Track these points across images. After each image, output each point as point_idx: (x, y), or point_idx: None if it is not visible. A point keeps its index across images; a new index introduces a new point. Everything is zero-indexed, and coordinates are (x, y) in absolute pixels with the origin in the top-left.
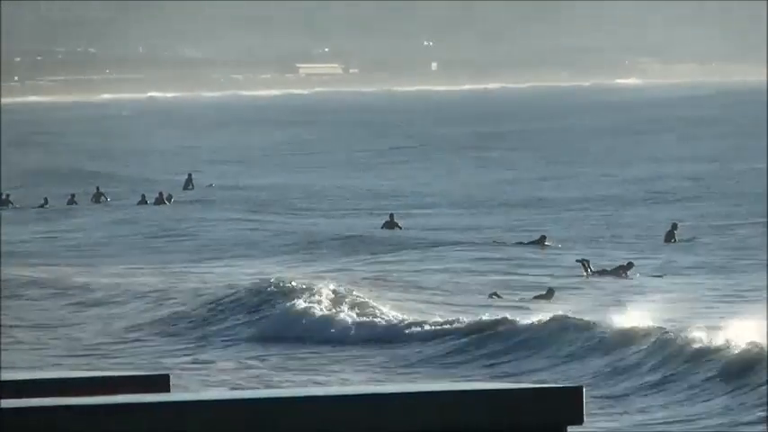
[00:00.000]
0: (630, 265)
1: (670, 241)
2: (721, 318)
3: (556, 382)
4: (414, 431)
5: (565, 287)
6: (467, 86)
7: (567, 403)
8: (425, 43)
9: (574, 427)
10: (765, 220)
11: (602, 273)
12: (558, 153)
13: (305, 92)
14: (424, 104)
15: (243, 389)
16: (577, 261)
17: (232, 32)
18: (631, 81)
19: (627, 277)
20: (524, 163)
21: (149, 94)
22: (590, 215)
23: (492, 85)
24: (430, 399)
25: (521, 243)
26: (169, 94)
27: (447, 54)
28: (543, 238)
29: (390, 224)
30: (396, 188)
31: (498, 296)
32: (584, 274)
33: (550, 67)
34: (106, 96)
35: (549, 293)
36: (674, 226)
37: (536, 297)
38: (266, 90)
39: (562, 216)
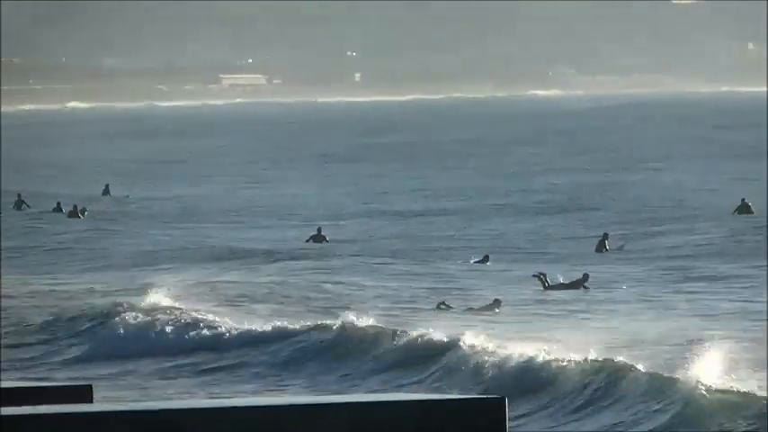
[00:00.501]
0: (586, 277)
1: (602, 251)
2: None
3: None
4: None
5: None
6: (386, 98)
7: (491, 413)
8: (349, 53)
9: None
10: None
11: (560, 286)
12: (424, 164)
13: (220, 102)
14: (342, 115)
15: (168, 399)
16: (534, 276)
17: (157, 43)
18: (552, 92)
19: (585, 288)
20: (396, 174)
21: (70, 104)
22: (490, 228)
23: (408, 97)
24: (360, 409)
25: (468, 262)
26: (90, 105)
27: (372, 65)
28: (487, 257)
29: (318, 237)
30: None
31: (447, 306)
32: (542, 287)
33: (475, 78)
34: (27, 107)
35: (495, 303)
36: (605, 236)
37: (482, 308)
38: (188, 101)
39: (468, 232)
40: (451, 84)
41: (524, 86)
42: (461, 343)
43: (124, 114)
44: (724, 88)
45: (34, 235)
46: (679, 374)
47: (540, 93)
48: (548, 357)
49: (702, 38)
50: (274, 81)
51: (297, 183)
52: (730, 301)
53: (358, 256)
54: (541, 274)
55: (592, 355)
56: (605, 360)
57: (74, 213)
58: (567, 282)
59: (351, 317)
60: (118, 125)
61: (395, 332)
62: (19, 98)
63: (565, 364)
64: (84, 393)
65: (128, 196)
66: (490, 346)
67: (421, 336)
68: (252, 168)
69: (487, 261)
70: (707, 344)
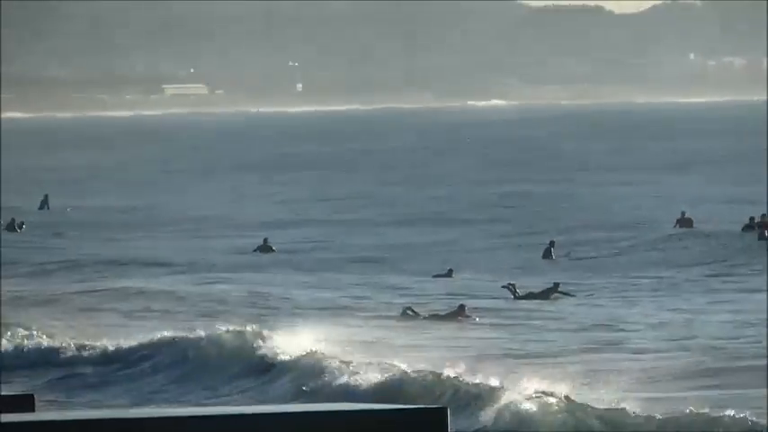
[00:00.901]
0: (557, 285)
1: (549, 257)
2: None
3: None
4: None
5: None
6: (326, 107)
7: (433, 423)
8: (291, 63)
9: None
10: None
11: (529, 296)
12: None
13: (159, 112)
14: (276, 125)
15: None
16: (503, 287)
17: (99, 53)
18: (492, 102)
19: (554, 299)
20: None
21: (9, 114)
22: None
23: (346, 107)
24: (305, 418)
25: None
26: (30, 115)
27: (313, 76)
28: (451, 270)
29: (264, 248)
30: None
31: (413, 312)
32: (512, 296)
33: (416, 89)
34: None
35: (460, 309)
36: (552, 243)
37: (448, 314)
38: (129, 111)
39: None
40: (392, 95)
41: (465, 97)
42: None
43: (64, 124)
44: (667, 98)
45: None
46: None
47: (480, 103)
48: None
49: (647, 49)
50: (216, 91)
51: (210, 193)
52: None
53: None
54: (510, 284)
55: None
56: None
57: (11, 227)
58: (537, 291)
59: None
60: (57, 135)
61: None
62: None
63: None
64: (25, 403)
65: (69, 209)
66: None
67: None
68: (165, 178)
69: (452, 275)
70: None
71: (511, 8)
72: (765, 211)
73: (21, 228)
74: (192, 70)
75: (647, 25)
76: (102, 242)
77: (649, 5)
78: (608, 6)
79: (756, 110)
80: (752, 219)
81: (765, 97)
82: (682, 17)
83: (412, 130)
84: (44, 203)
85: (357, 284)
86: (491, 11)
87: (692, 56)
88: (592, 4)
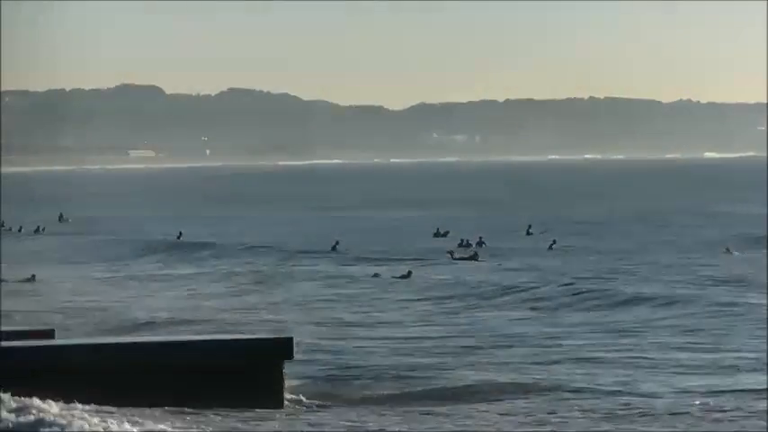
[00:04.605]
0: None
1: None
2: None
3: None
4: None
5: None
6: (232, 162)
7: (283, 349)
8: (203, 138)
9: (288, 361)
10: None
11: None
12: None
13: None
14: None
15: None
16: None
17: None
18: None
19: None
20: None
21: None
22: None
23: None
24: (168, 347)
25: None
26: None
27: (222, 143)
28: (410, 272)
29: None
30: None
31: (377, 275)
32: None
33: None
34: None
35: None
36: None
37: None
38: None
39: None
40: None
41: None
42: None
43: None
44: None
45: None
46: None
47: None
48: None
49: None
50: (159, 155)
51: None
52: None
53: None
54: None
55: None
56: None
57: None
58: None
59: None
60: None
61: None
62: None
63: None
64: (47, 335)
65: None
66: None
67: None
68: None
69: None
70: None
71: None
72: None
73: None
74: (145, 142)
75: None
76: None
77: None
78: None
79: None
80: None
81: None
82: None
83: None
84: None
85: None
86: None
87: None
88: None
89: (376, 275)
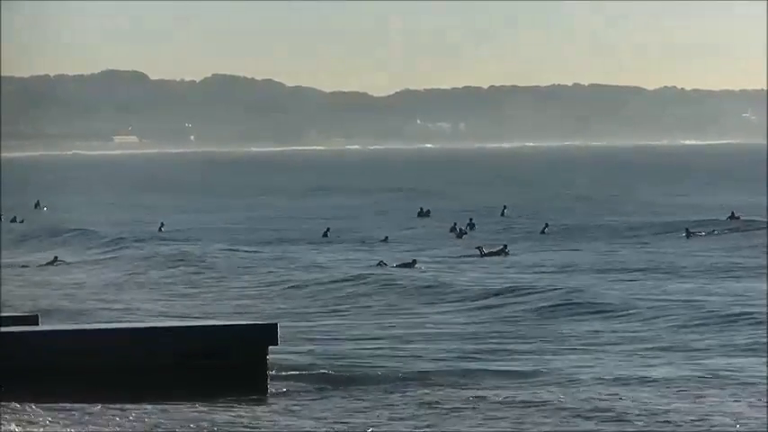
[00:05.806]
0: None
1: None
2: None
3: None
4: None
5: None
6: (212, 149)
7: (267, 334)
8: (187, 125)
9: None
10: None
11: (489, 254)
12: None
13: (114, 153)
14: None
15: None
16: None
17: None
18: None
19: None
20: None
21: None
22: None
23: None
24: (155, 333)
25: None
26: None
27: (206, 129)
28: (414, 261)
29: None
30: None
31: (384, 264)
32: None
33: None
34: None
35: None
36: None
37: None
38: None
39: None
40: None
41: None
42: None
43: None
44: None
45: None
46: None
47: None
48: None
49: None
50: (143, 140)
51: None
52: None
53: None
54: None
55: None
56: None
57: None
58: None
59: None
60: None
61: None
62: None
63: None
64: (32, 320)
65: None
66: None
67: None
68: None
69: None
70: None
71: None
72: None
73: None
74: (129, 128)
75: None
76: None
77: None
78: None
79: None
80: None
81: None
82: None
83: None
84: None
85: None
86: None
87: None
88: None
89: (381, 264)
